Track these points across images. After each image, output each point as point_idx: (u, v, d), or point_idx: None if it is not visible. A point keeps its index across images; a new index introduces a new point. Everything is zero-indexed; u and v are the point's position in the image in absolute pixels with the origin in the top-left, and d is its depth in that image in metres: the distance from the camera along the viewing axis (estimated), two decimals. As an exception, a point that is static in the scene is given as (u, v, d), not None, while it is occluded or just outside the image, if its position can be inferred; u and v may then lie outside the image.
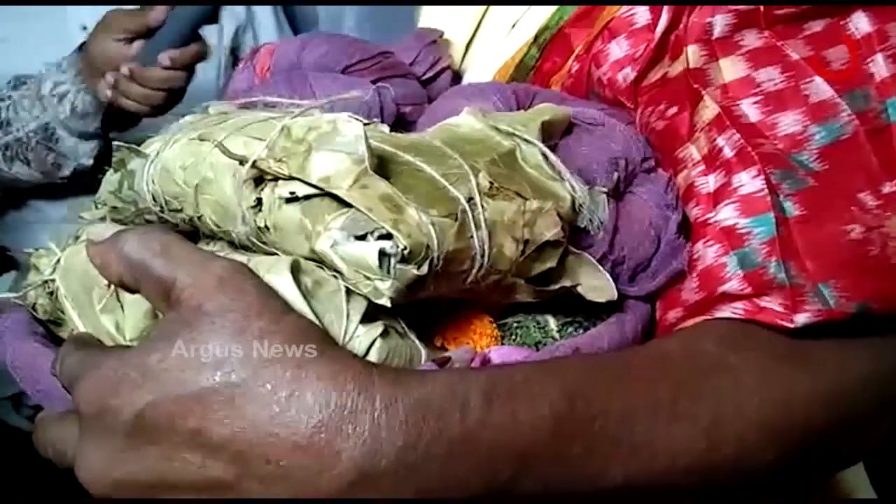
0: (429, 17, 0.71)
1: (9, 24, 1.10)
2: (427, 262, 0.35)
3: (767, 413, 0.37)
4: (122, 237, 0.34)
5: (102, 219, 0.54)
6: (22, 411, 1.31)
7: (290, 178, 0.38)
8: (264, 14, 1.27)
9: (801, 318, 0.39)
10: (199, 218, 0.46)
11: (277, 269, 0.35)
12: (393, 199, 0.36)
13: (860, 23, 0.44)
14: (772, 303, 0.40)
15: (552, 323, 0.44)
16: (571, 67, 0.56)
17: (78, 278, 0.39)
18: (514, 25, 0.62)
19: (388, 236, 0.34)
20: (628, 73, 0.51)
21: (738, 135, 0.42)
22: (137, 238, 0.34)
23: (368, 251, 0.34)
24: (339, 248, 0.35)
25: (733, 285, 0.41)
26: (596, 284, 0.42)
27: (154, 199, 0.48)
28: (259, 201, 0.40)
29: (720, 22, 0.44)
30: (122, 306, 0.36)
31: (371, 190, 0.36)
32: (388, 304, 0.35)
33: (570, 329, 0.44)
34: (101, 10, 1.09)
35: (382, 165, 0.39)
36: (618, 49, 0.52)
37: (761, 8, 0.44)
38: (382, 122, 0.57)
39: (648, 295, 0.45)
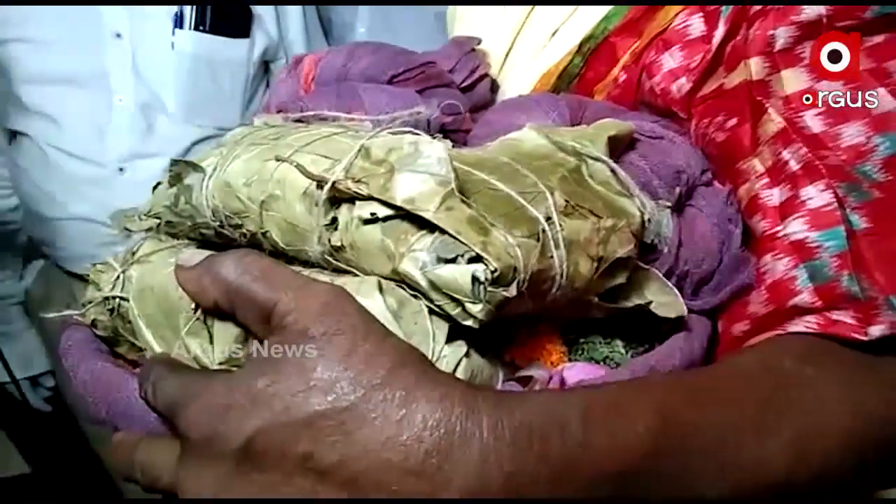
0: (467, 26, 0.71)
1: (44, 26, 1.09)
2: (515, 283, 0.35)
3: (848, 424, 0.38)
4: (218, 261, 0.34)
5: (149, 230, 0.54)
6: (38, 391, 1.31)
7: (369, 197, 0.38)
8: (295, 29, 1.26)
9: (876, 331, 0.39)
10: (263, 234, 0.46)
11: (367, 290, 0.35)
12: (479, 221, 0.36)
13: None
14: (844, 316, 0.40)
15: (618, 339, 0.44)
16: (618, 77, 0.57)
17: (156, 301, 0.39)
18: (554, 33, 0.62)
19: (477, 258, 0.35)
20: (683, 84, 0.51)
21: (805, 148, 0.43)
22: (235, 262, 0.34)
23: (461, 275, 0.34)
24: (429, 271, 0.35)
25: (804, 298, 0.41)
26: (664, 301, 0.43)
27: (214, 215, 0.48)
28: (334, 220, 0.40)
29: (783, 34, 0.45)
30: (208, 330, 0.36)
31: (457, 212, 0.36)
32: (476, 326, 0.35)
33: (635, 344, 0.44)
34: (137, 18, 1.08)
35: (460, 184, 0.39)
36: (671, 60, 0.52)
37: (823, 20, 0.44)
38: (429, 128, 0.57)
39: (710, 308, 0.46)
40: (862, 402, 0.38)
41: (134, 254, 0.49)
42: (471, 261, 0.34)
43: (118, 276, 0.47)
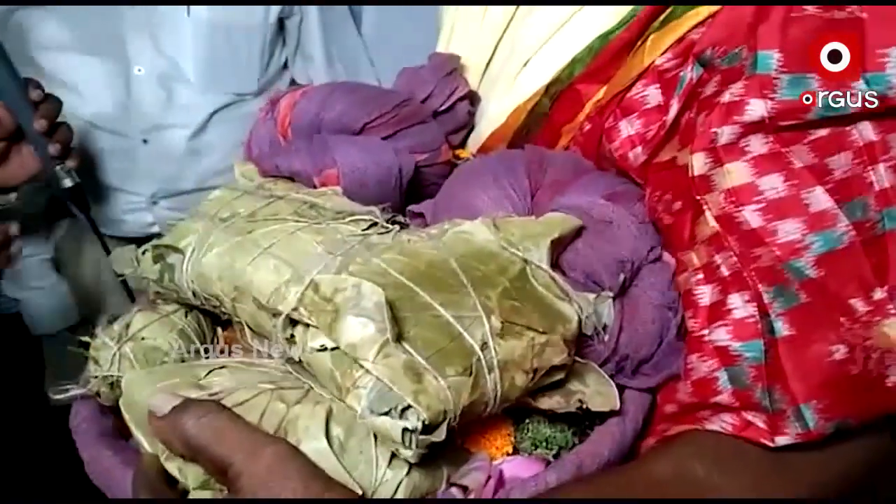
0: (447, 38, 0.71)
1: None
2: (445, 423, 0.40)
3: None
4: (182, 418, 0.39)
5: (144, 278, 0.59)
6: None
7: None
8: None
9: (781, 440, 0.43)
10: (237, 319, 0.51)
11: (313, 433, 0.40)
12: (413, 366, 0.40)
13: (865, 131, 0.45)
14: (757, 419, 0.44)
15: (561, 421, 0.48)
16: (583, 126, 0.58)
17: (140, 414, 0.44)
18: (525, 64, 0.63)
19: (410, 406, 0.39)
20: (639, 154, 0.52)
21: (735, 257, 0.45)
22: (195, 420, 0.39)
23: (393, 428, 0.38)
24: (367, 419, 0.39)
25: (724, 398, 0.45)
26: (600, 390, 0.47)
27: (194, 295, 0.52)
28: (292, 335, 0.44)
29: (726, 132, 0.46)
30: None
31: (394, 359, 0.40)
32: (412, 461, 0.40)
33: (575, 427, 0.49)
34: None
35: (403, 303, 0.42)
36: (629, 127, 0.53)
37: (766, 120, 0.45)
38: (401, 177, 0.60)
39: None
40: None
41: (128, 326, 0.54)
42: (404, 410, 0.39)
43: (114, 354, 0.52)
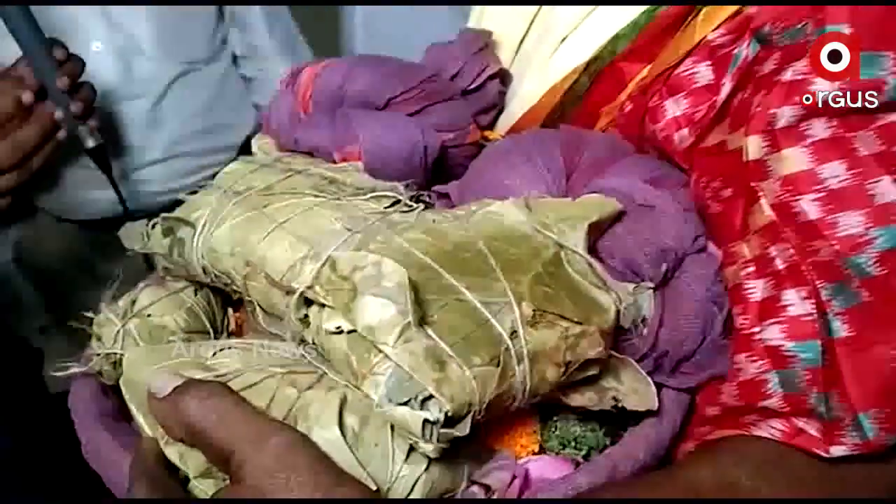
0: (479, 12, 0.67)
1: None
2: (470, 416, 0.36)
3: None
4: (183, 399, 0.36)
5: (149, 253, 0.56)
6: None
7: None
8: None
9: (837, 451, 0.39)
10: (248, 298, 0.48)
11: (325, 421, 0.37)
12: (436, 353, 0.36)
13: None
14: (810, 426, 0.40)
15: (592, 419, 0.45)
16: (625, 106, 0.54)
17: (141, 395, 0.41)
18: (563, 40, 0.59)
19: (431, 396, 0.35)
20: (685, 136, 0.49)
21: (792, 249, 0.41)
22: (197, 403, 0.35)
23: (412, 420, 0.35)
24: (384, 409, 0.36)
25: (773, 402, 0.41)
26: (636, 388, 0.43)
27: (204, 272, 0.49)
28: (306, 316, 0.41)
29: (787, 113, 0.42)
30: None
31: (415, 344, 0.36)
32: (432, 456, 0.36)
33: (608, 426, 0.45)
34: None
35: (427, 286, 0.39)
36: (676, 107, 0.49)
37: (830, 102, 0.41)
38: (426, 156, 0.56)
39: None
40: None
41: (134, 303, 0.51)
42: (425, 400, 0.35)
43: (118, 331, 0.49)
